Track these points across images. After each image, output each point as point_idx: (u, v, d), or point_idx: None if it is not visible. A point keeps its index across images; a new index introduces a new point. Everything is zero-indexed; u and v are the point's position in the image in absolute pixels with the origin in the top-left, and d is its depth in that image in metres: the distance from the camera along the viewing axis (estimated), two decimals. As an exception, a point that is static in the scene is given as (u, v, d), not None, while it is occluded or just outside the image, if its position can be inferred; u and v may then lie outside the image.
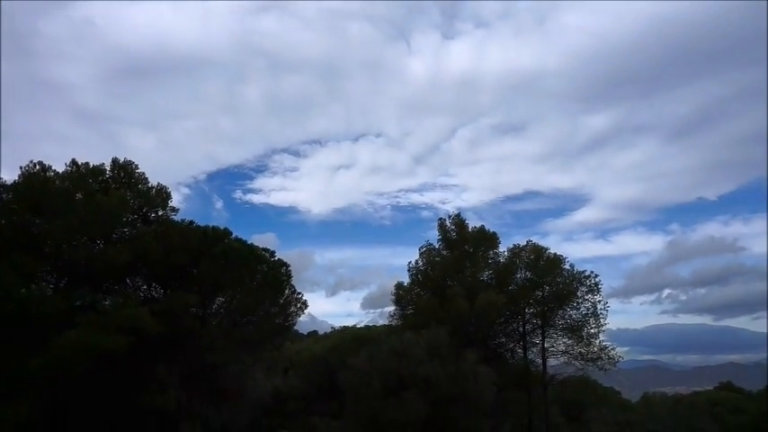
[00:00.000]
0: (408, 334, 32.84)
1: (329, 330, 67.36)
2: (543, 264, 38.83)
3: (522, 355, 39.88)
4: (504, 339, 40.96)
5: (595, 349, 37.84)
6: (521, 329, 39.85)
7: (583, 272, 38.78)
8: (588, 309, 38.21)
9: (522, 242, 41.00)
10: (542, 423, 39.48)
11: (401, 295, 40.73)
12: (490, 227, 42.27)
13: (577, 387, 45.67)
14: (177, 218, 34.25)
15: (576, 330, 38.13)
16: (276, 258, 34.63)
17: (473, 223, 42.49)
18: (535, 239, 41.28)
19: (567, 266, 39.01)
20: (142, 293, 32.77)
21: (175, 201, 35.06)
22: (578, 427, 45.54)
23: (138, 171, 33.64)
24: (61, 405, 28.33)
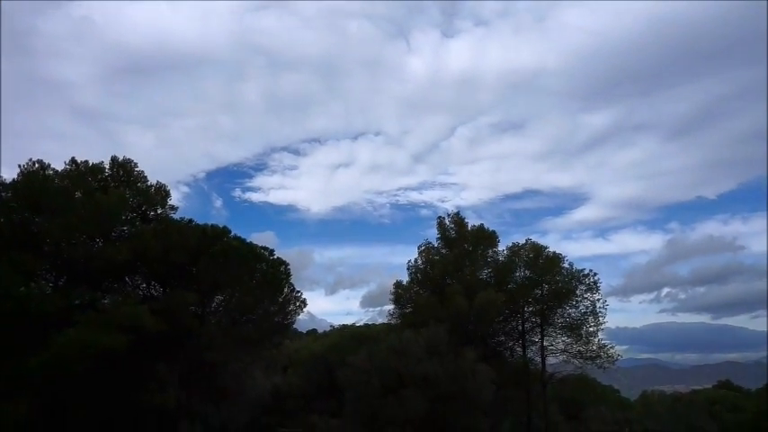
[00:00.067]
0: (407, 332, 32.87)
1: (328, 329, 67.48)
2: (542, 262, 38.83)
3: (521, 353, 39.90)
4: (503, 338, 40.98)
5: (594, 348, 37.88)
6: (520, 328, 39.87)
7: (582, 270, 38.85)
8: (587, 307, 38.25)
9: (522, 241, 41.08)
10: (541, 421, 39.54)
11: (400, 294, 40.72)
12: (489, 225, 42.37)
13: (576, 385, 45.76)
14: (176, 216, 34.29)
15: (574, 329, 38.15)
16: (275, 257, 34.65)
17: (472, 222, 42.60)
18: (534, 238, 41.36)
19: (566, 265, 39.05)
20: (141, 292, 32.76)
21: (174, 199, 35.06)
22: (577, 426, 45.64)
23: (138, 169, 33.62)
24: (61, 403, 28.34)
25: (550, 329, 39.13)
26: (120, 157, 33.47)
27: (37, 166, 29.97)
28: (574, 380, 42.40)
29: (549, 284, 38.67)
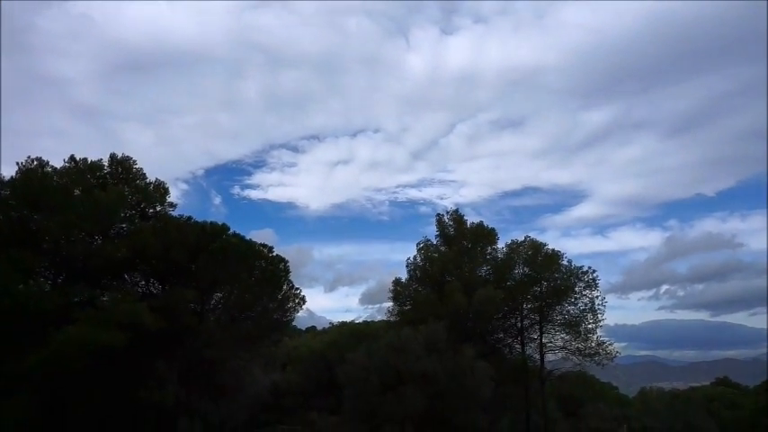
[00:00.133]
0: (406, 329, 32.89)
1: (327, 326, 67.54)
2: (541, 259, 38.88)
3: (519, 350, 39.98)
4: (502, 335, 41.04)
5: (593, 344, 37.91)
6: (519, 325, 39.93)
7: (581, 267, 38.87)
8: (586, 304, 38.28)
9: (521, 238, 41.17)
10: (540, 418, 39.62)
11: (399, 291, 40.74)
12: (488, 222, 42.47)
13: (575, 382, 45.89)
14: (175, 213, 34.28)
15: (573, 326, 38.19)
16: (274, 254, 34.61)
17: (471, 219, 42.69)
18: (533, 235, 41.68)
19: (564, 262, 39.06)
20: (140, 289, 32.73)
21: (173, 196, 35.04)
22: (575, 422, 45.69)
23: (136, 167, 33.60)
24: (60, 401, 28.33)
25: (549, 326, 39.19)
26: (119, 155, 33.45)
27: (35, 163, 29.92)
28: (572, 377, 42.51)
29: (547, 281, 38.72)
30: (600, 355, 37.82)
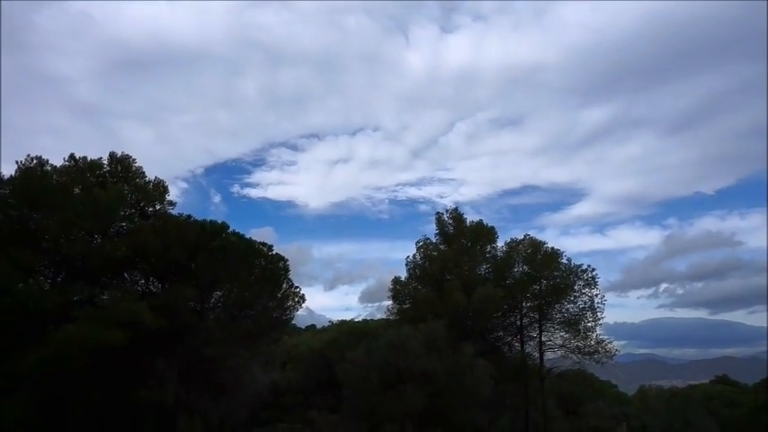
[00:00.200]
0: (406, 328, 32.92)
1: (327, 324, 67.45)
2: (541, 258, 38.90)
3: (519, 348, 40.03)
4: (501, 333, 41.07)
5: (592, 343, 37.96)
6: (518, 323, 39.97)
7: (580, 266, 38.88)
8: (585, 302, 38.32)
9: (520, 236, 41.19)
10: (539, 416, 39.67)
11: (398, 290, 40.77)
12: (488, 221, 42.46)
13: (574, 380, 45.87)
14: (175, 212, 34.26)
15: (573, 324, 38.24)
16: (274, 252, 34.58)
17: (471, 217, 42.74)
18: (533, 233, 41.43)
19: (564, 260, 39.07)
20: (140, 288, 32.71)
21: (173, 195, 35.06)
22: (575, 420, 45.75)
23: (136, 165, 33.58)
24: (59, 400, 28.34)
25: (548, 325, 39.23)
26: (119, 153, 33.45)
27: (35, 162, 29.90)
28: (572, 375, 42.51)
29: (547, 280, 38.74)
30: (599, 353, 37.88)
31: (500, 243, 41.36)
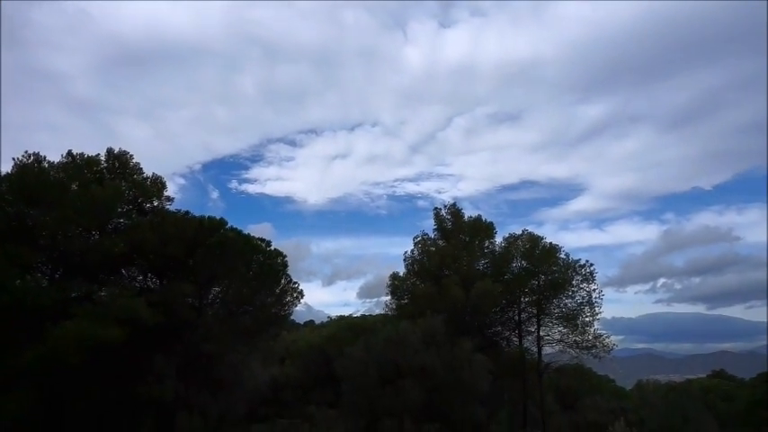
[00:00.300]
0: (404, 323, 32.96)
1: (325, 320, 67.51)
2: (539, 253, 38.97)
3: (517, 343, 40.13)
4: (499, 328, 41.18)
5: (590, 338, 38.10)
6: (516, 318, 40.07)
7: (578, 261, 38.99)
8: (583, 297, 38.43)
9: (518, 231, 41.24)
10: (537, 411, 39.81)
11: (397, 285, 40.84)
12: (486, 216, 42.57)
13: (572, 375, 46.12)
14: (173, 208, 34.18)
15: (571, 319, 38.35)
16: (272, 248, 34.53)
17: (469, 213, 42.82)
18: (531, 229, 41.53)
19: (562, 255, 39.15)
20: (138, 284, 32.69)
21: (171, 191, 35.00)
22: (573, 415, 45.94)
23: (134, 161, 33.46)
24: (58, 396, 28.33)
25: (547, 319, 39.35)
26: (116, 149, 33.32)
27: (32, 158, 29.81)
28: (570, 369, 42.75)
29: (545, 275, 38.83)
30: (597, 348, 38.03)
31: (498, 238, 41.52)
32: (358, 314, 59.74)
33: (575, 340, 38.40)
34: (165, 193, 34.35)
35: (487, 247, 41.31)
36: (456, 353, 31.36)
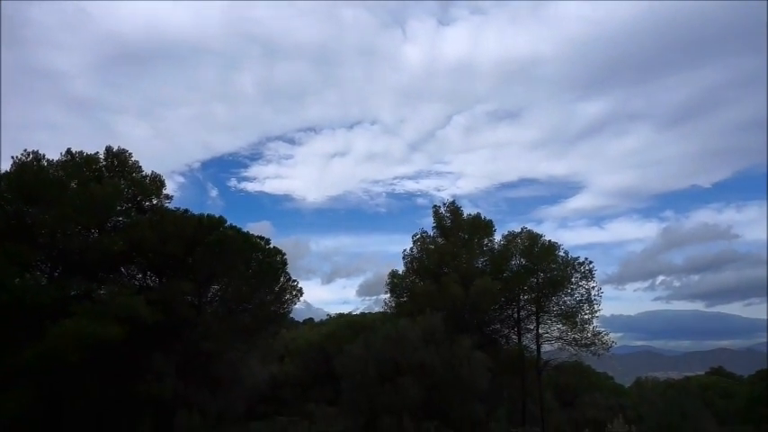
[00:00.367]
0: (404, 321, 32.97)
1: (325, 318, 67.61)
2: (538, 251, 38.99)
3: (516, 340, 40.19)
4: (498, 325, 41.22)
5: (589, 335, 38.12)
6: (515, 316, 40.11)
7: (577, 258, 39.03)
8: (582, 295, 38.45)
9: (517, 229, 41.26)
10: (536, 408, 39.86)
11: (396, 283, 40.84)
12: (485, 214, 42.46)
13: (571, 372, 46.14)
14: (172, 206, 34.19)
15: (570, 316, 38.37)
16: (271, 246, 34.56)
17: (468, 210, 42.80)
18: (530, 226, 41.57)
19: (561, 253, 39.18)
20: (137, 282, 32.71)
21: (170, 189, 35.01)
22: (572, 412, 46.01)
23: (132, 159, 33.49)
24: (57, 395, 28.34)
25: (546, 317, 39.37)
26: (115, 148, 33.32)
27: (31, 157, 29.79)
28: (569, 367, 42.74)
29: (544, 272, 38.84)
30: (596, 345, 38.06)
31: (497, 236, 41.51)
32: (357, 312, 59.85)
33: (574, 338, 38.43)
34: (164, 192, 34.41)
35: (486, 245, 41.32)
36: (455, 350, 31.38)
